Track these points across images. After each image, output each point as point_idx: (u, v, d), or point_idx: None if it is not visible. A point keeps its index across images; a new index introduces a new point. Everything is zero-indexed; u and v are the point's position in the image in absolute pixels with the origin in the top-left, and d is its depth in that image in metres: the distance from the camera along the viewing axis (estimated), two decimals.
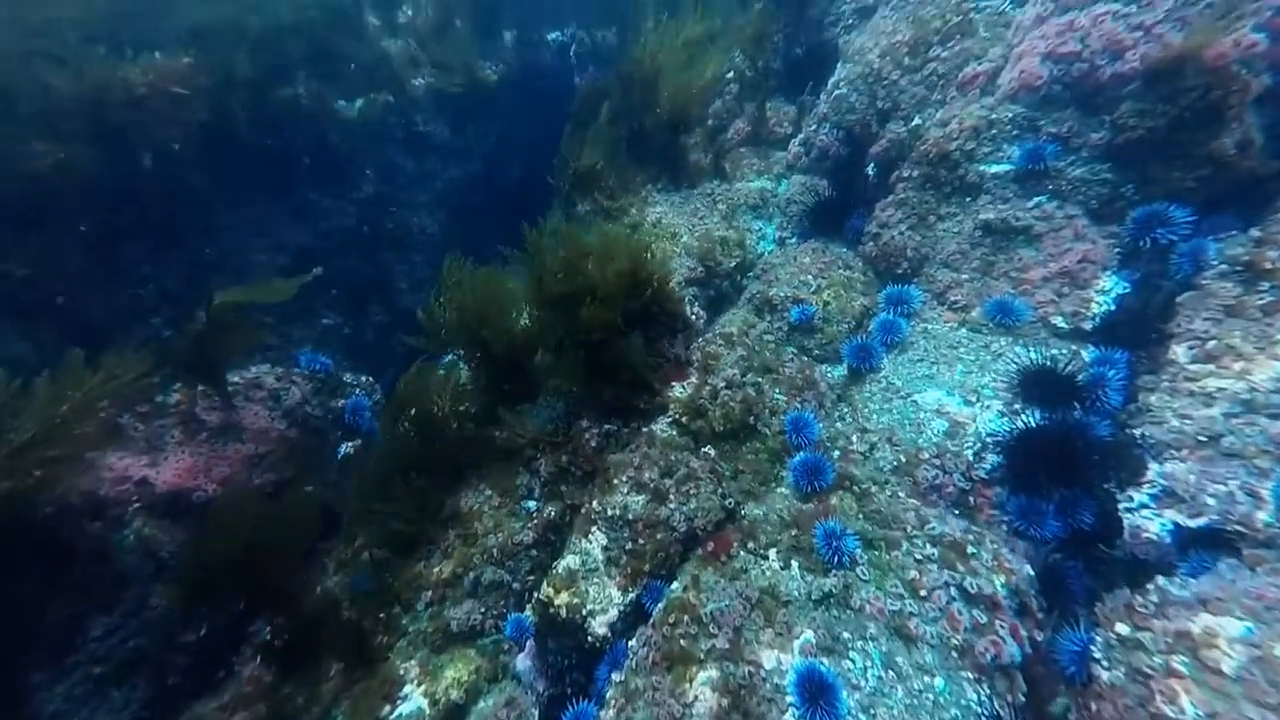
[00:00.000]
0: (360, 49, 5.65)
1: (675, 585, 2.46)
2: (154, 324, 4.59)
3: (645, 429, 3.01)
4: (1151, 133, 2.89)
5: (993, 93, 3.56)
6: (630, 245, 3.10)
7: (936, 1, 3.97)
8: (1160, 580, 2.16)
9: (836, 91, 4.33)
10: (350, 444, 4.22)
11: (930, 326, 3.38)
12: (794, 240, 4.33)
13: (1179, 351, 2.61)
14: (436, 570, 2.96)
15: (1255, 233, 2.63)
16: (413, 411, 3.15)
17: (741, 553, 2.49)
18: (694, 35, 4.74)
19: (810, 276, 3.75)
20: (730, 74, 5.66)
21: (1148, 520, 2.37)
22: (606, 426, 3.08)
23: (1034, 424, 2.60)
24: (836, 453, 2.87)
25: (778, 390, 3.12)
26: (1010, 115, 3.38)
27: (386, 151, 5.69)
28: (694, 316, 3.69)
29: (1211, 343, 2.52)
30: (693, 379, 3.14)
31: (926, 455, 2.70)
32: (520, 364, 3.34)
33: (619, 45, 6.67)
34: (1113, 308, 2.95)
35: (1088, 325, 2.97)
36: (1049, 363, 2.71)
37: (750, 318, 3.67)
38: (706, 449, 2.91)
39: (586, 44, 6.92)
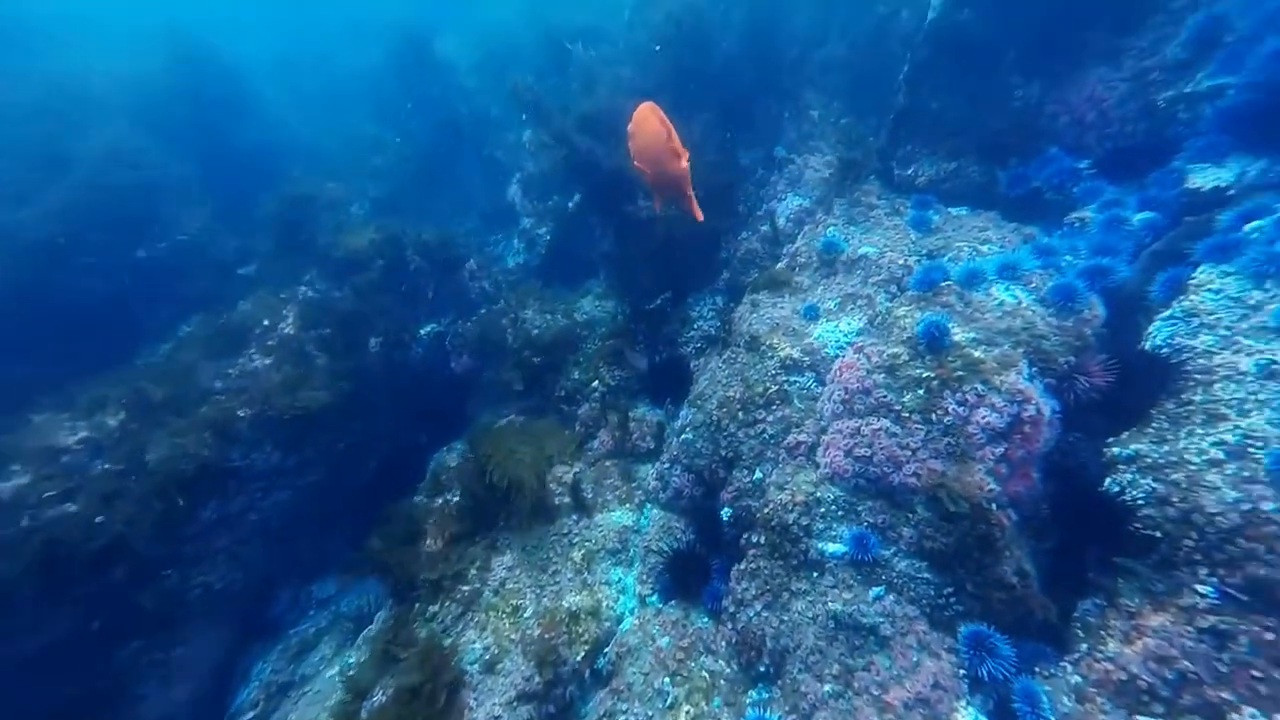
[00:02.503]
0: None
1: None
2: None
3: None
4: (946, 547, 3.10)
5: (815, 465, 3.87)
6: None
7: (758, 368, 4.56)
8: None
9: (684, 435, 4.55)
10: None
11: None
12: (654, 598, 3.95)
13: None
14: None
15: (1073, 676, 2.67)
16: None
17: None
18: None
19: (667, 679, 3.25)
20: (596, 384, 6.01)
21: None
22: None
23: None
24: None
25: None
26: (832, 496, 3.58)
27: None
28: None
29: None
30: None
31: None
32: None
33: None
34: None
35: None
36: None
37: None
38: None
39: (463, 331, 7.24)
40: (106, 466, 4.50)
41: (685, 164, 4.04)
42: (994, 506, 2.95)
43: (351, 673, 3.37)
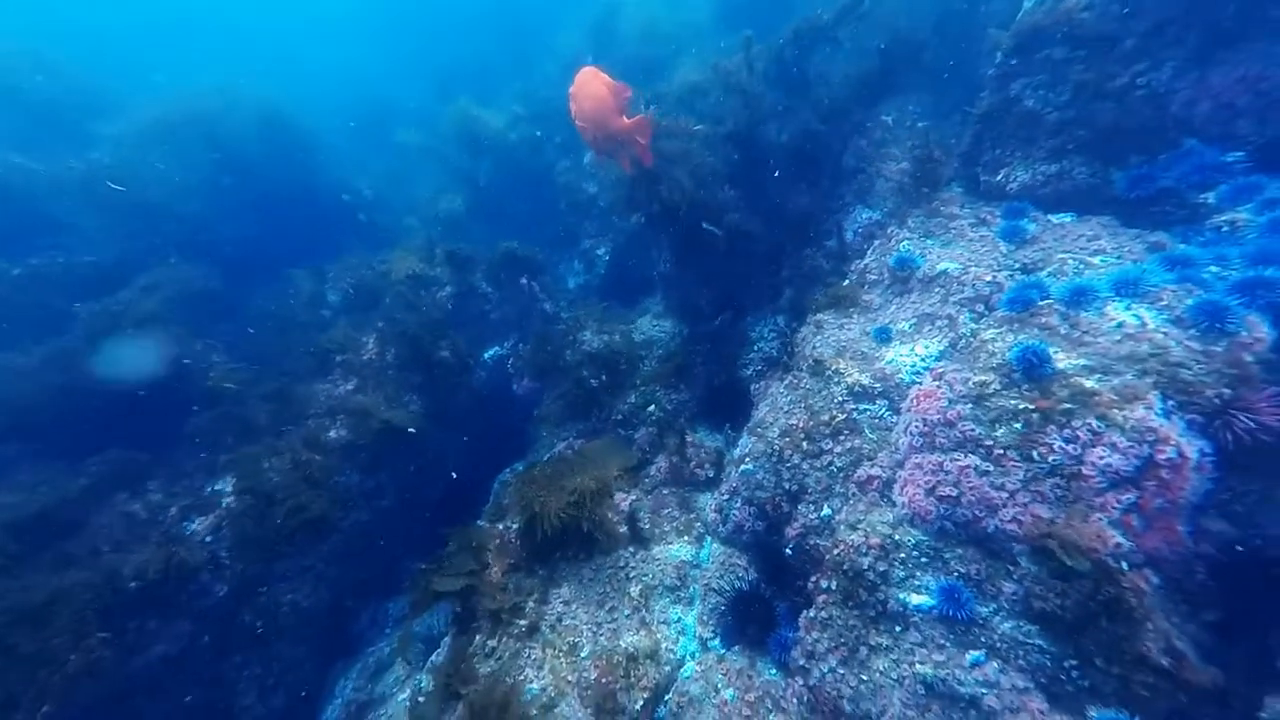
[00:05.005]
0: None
1: None
2: None
3: None
4: (1063, 610, 2.64)
5: (890, 502, 3.51)
6: None
7: (824, 395, 4.26)
8: None
9: (744, 466, 4.33)
10: None
11: None
12: (716, 643, 3.74)
13: None
14: None
15: None
16: None
17: None
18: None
19: None
20: (652, 408, 5.93)
21: None
22: None
23: None
24: None
25: None
26: (913, 540, 3.22)
27: None
28: None
29: None
30: None
31: None
32: None
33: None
34: None
35: None
36: None
37: None
38: None
39: (524, 353, 7.46)
40: (217, 486, 5.06)
41: (627, 121, 4.50)
42: (1124, 565, 2.48)
43: (420, 701, 3.46)
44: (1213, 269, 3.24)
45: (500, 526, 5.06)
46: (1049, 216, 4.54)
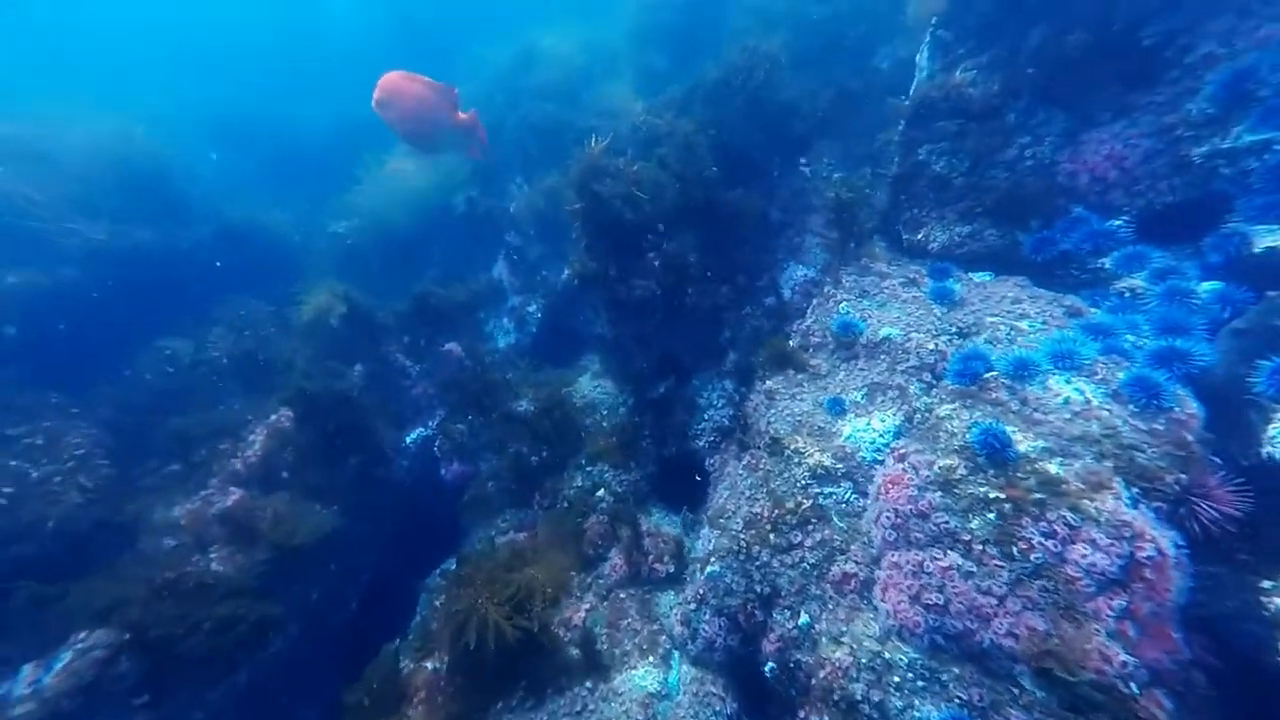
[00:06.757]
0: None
1: None
2: None
3: None
4: None
5: (872, 606, 3.22)
6: None
7: (786, 478, 3.98)
8: None
9: (710, 568, 3.90)
10: None
11: None
12: None
13: None
14: None
15: None
16: None
17: None
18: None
19: None
20: (601, 492, 5.39)
21: None
22: None
23: None
24: None
25: None
26: (906, 659, 2.92)
27: None
28: None
29: None
30: None
31: None
32: None
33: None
34: None
35: None
36: None
37: None
38: None
39: (456, 434, 6.65)
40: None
41: (463, 116, 4.83)
42: (1134, 688, 2.30)
43: None
44: (1129, 338, 3.38)
45: (429, 666, 4.20)
46: (970, 275, 4.71)
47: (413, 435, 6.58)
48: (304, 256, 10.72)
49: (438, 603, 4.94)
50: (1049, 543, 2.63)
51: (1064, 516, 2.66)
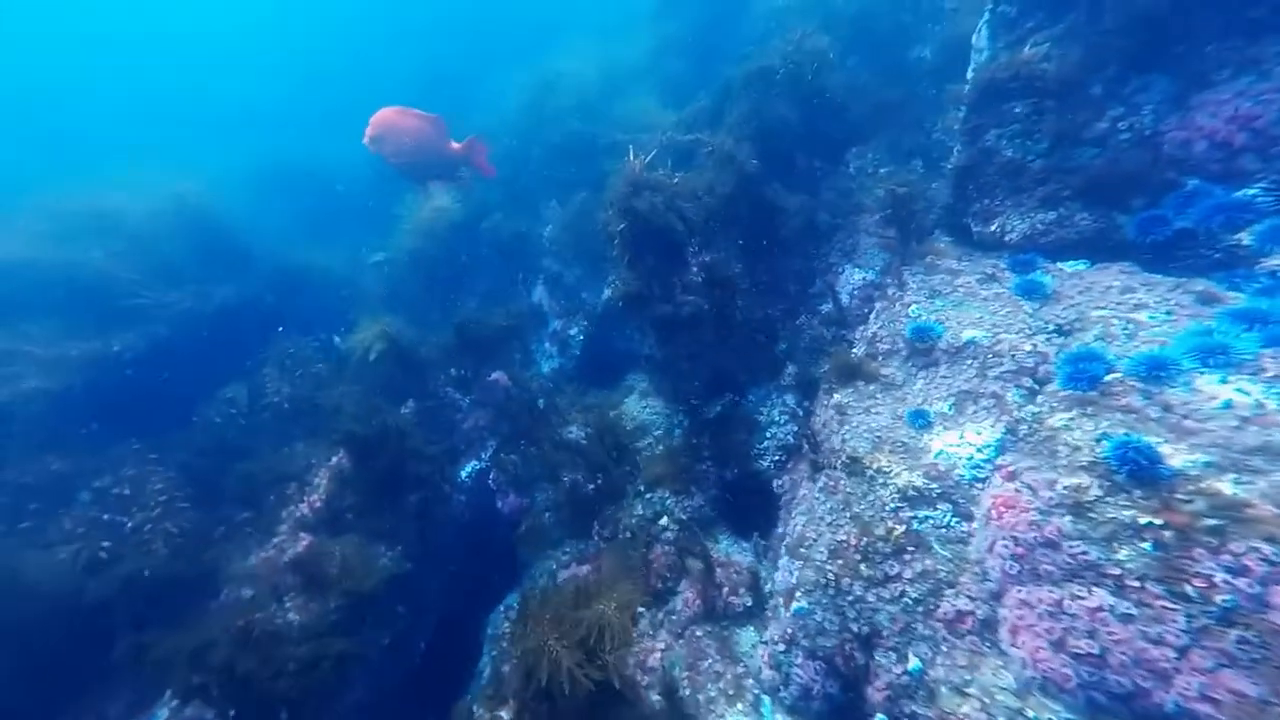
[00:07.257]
0: None
1: None
2: None
3: None
4: None
5: (997, 649, 2.83)
6: None
7: (870, 500, 3.63)
8: None
9: (797, 605, 3.58)
10: None
11: None
12: None
13: None
14: None
15: None
16: None
17: None
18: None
19: None
20: (664, 520, 5.14)
21: None
22: None
23: None
24: None
25: None
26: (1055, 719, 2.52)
27: None
28: None
29: None
30: None
31: None
32: None
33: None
34: None
35: None
36: None
37: None
38: None
39: (510, 466, 6.56)
40: None
41: (458, 145, 4.90)
42: None
43: None
44: None
45: (505, 716, 4.02)
46: (1060, 265, 4.25)
47: (467, 469, 6.55)
48: (350, 292, 11.10)
49: (505, 644, 4.80)
50: (1239, 581, 2.20)
51: (1256, 548, 2.22)
